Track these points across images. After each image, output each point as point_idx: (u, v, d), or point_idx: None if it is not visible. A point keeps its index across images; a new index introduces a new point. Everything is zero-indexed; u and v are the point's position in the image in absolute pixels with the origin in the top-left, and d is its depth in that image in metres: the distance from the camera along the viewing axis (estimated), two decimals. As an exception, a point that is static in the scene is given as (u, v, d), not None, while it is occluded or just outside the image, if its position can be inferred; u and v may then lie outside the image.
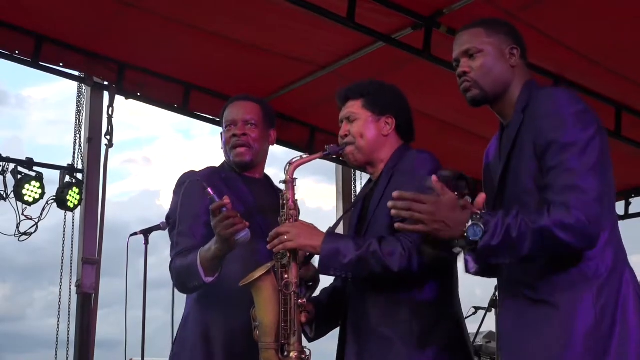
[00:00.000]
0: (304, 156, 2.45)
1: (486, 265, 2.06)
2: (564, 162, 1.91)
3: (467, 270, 2.17)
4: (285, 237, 2.31)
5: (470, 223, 1.84)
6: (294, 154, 2.73)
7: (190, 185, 2.53)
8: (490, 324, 5.50)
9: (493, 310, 5.35)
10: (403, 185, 2.18)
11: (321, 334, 2.51)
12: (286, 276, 2.33)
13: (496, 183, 2.10)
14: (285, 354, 2.30)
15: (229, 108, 2.80)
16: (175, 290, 2.82)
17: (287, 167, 2.42)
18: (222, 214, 2.34)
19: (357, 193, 6.28)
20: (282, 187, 2.43)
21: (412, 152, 2.43)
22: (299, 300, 2.33)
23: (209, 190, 2.39)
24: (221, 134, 2.81)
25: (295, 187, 2.42)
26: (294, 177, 2.41)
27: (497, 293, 5.35)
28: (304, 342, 2.37)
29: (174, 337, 2.72)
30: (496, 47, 2.14)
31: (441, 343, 2.26)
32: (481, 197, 1.94)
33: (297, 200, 2.41)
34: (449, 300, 2.38)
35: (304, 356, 2.31)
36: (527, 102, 2.06)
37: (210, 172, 2.71)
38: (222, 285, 2.51)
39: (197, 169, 2.75)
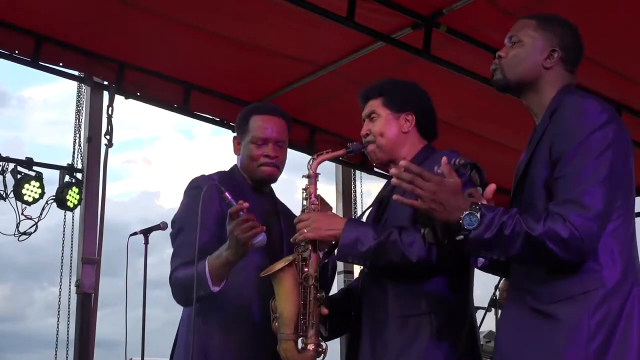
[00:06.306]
0: (328, 152, 2.46)
1: (494, 261, 2.00)
2: (571, 173, 1.87)
3: (475, 265, 2.15)
4: (306, 229, 2.33)
5: (467, 212, 1.82)
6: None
7: (202, 193, 2.39)
8: (490, 323, 5.50)
9: (493, 310, 5.35)
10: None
11: (336, 334, 2.51)
12: (306, 269, 2.35)
13: (515, 182, 2.08)
14: (303, 346, 2.32)
15: (261, 120, 2.70)
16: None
17: (311, 161, 2.45)
18: (240, 218, 2.31)
19: (357, 193, 6.30)
20: (304, 181, 2.45)
21: (443, 152, 2.33)
22: (318, 294, 2.35)
23: (227, 194, 2.37)
24: (234, 138, 2.76)
25: (317, 181, 2.45)
26: (317, 172, 2.44)
27: (496, 293, 5.39)
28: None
29: (174, 339, 2.67)
30: (537, 42, 2.12)
31: (456, 339, 2.26)
32: (491, 187, 1.92)
33: (319, 195, 2.43)
34: (465, 298, 2.37)
35: (320, 349, 2.33)
36: (556, 108, 2.02)
37: (222, 177, 2.66)
38: (220, 296, 2.47)
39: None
